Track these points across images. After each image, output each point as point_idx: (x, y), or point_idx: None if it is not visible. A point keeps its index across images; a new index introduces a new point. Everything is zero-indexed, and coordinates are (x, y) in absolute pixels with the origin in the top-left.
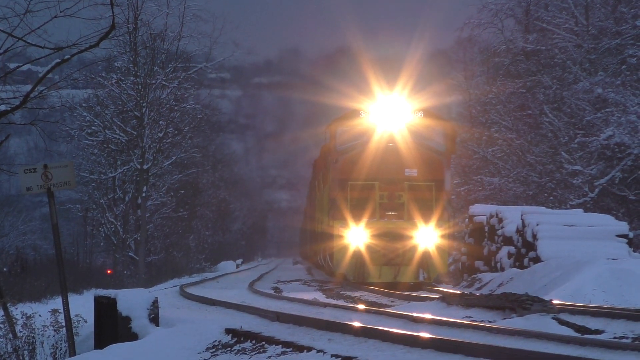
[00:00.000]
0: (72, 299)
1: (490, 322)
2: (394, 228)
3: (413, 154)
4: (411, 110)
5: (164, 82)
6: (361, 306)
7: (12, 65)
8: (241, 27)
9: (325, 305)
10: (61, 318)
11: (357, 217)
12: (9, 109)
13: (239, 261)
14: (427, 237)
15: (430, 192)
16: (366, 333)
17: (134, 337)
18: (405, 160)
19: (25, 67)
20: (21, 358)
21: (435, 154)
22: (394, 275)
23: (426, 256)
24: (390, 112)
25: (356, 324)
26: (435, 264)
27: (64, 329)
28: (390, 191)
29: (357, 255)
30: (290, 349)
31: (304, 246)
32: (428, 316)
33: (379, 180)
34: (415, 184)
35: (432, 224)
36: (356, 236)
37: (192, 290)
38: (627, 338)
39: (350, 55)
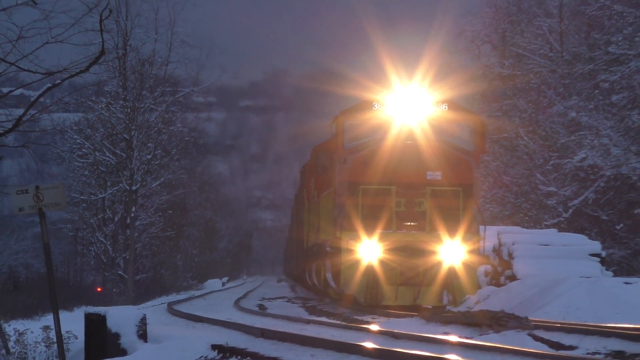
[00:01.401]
0: (63, 316)
1: (467, 337)
2: (413, 241)
3: (436, 153)
4: (433, 102)
5: (152, 106)
6: (343, 323)
7: (4, 90)
8: (227, 52)
9: (308, 322)
10: (52, 334)
11: (369, 228)
12: (1, 132)
13: (225, 279)
14: (452, 252)
15: (456, 199)
16: (348, 349)
17: (123, 352)
18: (427, 160)
19: (17, 92)
20: None
21: (462, 154)
22: (414, 298)
23: (451, 275)
24: (409, 103)
25: (338, 340)
26: (462, 284)
27: (55, 345)
28: (409, 197)
29: (370, 273)
30: None
31: (288, 264)
32: (408, 332)
33: (396, 185)
34: (439, 190)
35: (459, 237)
36: (369, 250)
37: (179, 307)
38: (599, 354)
39: (365, 42)
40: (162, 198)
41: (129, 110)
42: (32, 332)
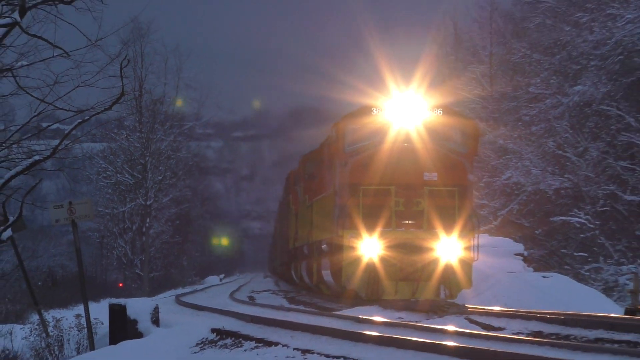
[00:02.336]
0: (92, 306)
1: (416, 322)
2: (411, 239)
3: (432, 155)
4: (429, 107)
5: (162, 137)
6: (316, 311)
7: (44, 125)
8: (223, 92)
9: (289, 310)
10: (83, 321)
11: (370, 227)
12: (41, 158)
13: (222, 276)
14: (449, 249)
15: (452, 198)
16: (321, 331)
17: (139, 335)
18: (424, 162)
19: (54, 126)
20: (53, 352)
21: (457, 156)
22: (412, 292)
23: (448, 271)
24: (406, 109)
25: (312, 324)
26: (458, 279)
27: (85, 329)
28: (407, 197)
29: (371, 269)
30: (262, 344)
31: (272, 263)
32: (369, 317)
33: (395, 185)
34: (436, 190)
35: (455, 234)
36: (369, 248)
37: (185, 299)
38: (522, 333)
39: (363, 49)
40: (171, 211)
41: (144, 140)
42: (66, 319)
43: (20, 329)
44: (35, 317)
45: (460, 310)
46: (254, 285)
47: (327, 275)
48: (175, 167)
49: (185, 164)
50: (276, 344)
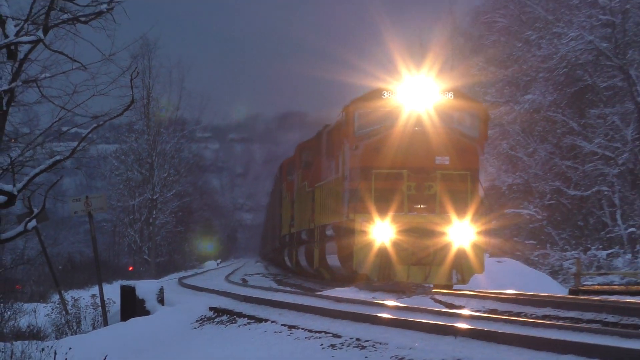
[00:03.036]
0: (105, 287)
1: (379, 302)
2: (423, 223)
3: (444, 139)
4: (440, 91)
5: (167, 139)
6: (301, 291)
7: (64, 129)
8: (220, 99)
9: (277, 290)
10: (98, 300)
11: (382, 211)
12: (62, 158)
13: (219, 261)
14: (461, 233)
15: (464, 182)
16: (305, 309)
17: (147, 313)
18: (436, 146)
19: (73, 130)
20: (71, 328)
21: (468, 140)
22: (425, 277)
23: (461, 255)
24: (417, 92)
25: (298, 303)
26: (471, 264)
27: (100, 307)
28: (418, 181)
29: (383, 253)
30: (253, 321)
31: (263, 249)
32: (346, 297)
33: (407, 169)
34: (448, 174)
35: (467, 218)
36: (381, 232)
37: (186, 281)
38: (480, 311)
39: (373, 31)
40: (174, 204)
41: (151, 142)
42: (83, 298)
43: (43, 307)
44: (56, 297)
45: (425, 291)
46: (246, 269)
47: (332, 259)
48: (178, 165)
49: (186, 163)
50: (266, 320)
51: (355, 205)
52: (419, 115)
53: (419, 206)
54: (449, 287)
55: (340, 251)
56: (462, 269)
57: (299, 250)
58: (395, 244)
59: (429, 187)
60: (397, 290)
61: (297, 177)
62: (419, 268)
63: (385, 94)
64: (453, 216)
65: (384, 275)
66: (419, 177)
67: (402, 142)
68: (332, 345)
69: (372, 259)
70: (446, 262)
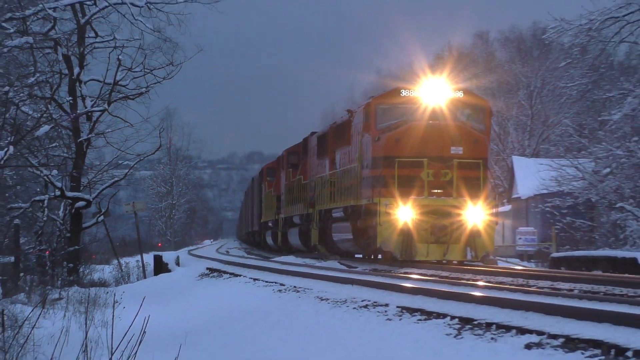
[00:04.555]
0: (144, 256)
1: (308, 265)
2: (442, 206)
3: (457, 131)
4: (451, 89)
5: (181, 168)
6: (265, 256)
7: (120, 162)
8: (211, 140)
9: (247, 257)
10: (140, 263)
11: (404, 195)
12: (118, 179)
13: (212, 240)
14: (475, 215)
15: (477, 170)
16: (263, 269)
17: (169, 271)
18: (450, 137)
19: (125, 162)
20: (124, 279)
21: (478, 133)
22: (443, 254)
23: (474, 234)
24: (431, 90)
25: (259, 265)
26: (484, 242)
27: (141, 268)
28: (436, 169)
29: (405, 232)
30: (232, 276)
31: (239, 233)
32: (288, 261)
33: (426, 158)
34: (463, 162)
35: (480, 202)
36: (404, 213)
37: (193, 252)
38: (367, 270)
39: (391, 32)
40: (185, 206)
41: (171, 170)
42: (131, 263)
43: (108, 267)
44: (115, 262)
45: (335, 257)
46: (228, 245)
47: (339, 237)
48: (187, 183)
49: (192, 182)
50: (239, 275)
51: (379, 190)
52: (434, 110)
53: (437, 191)
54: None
55: (357, 230)
56: (475, 246)
57: (289, 231)
58: (416, 224)
59: (445, 174)
60: (317, 257)
61: (284, 176)
62: (437, 246)
63: (402, 92)
64: (467, 200)
65: (406, 253)
66: (437, 165)
67: (421, 134)
68: (279, 290)
69: (396, 238)
70: (461, 240)
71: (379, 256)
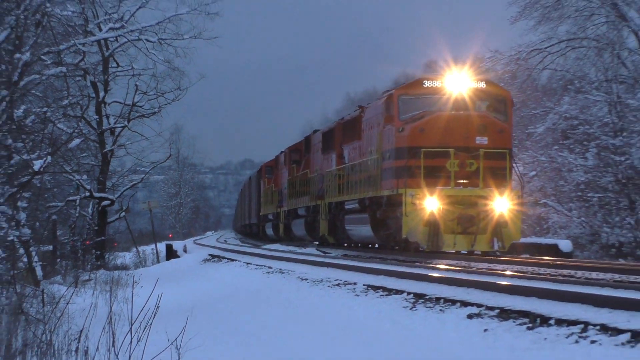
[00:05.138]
0: (158, 244)
1: (296, 251)
2: (468, 196)
3: (482, 122)
4: (474, 79)
5: (187, 173)
6: (256, 244)
7: (138, 168)
8: (217, 149)
9: (241, 245)
10: (154, 251)
11: (430, 185)
12: (136, 182)
13: (212, 232)
14: (501, 205)
15: (503, 160)
16: (255, 255)
17: (178, 257)
18: (475, 128)
19: (142, 169)
20: (142, 264)
21: (502, 123)
22: (470, 244)
23: (501, 225)
24: (454, 80)
25: (251, 252)
26: (511, 232)
27: (155, 254)
28: (462, 159)
29: (432, 223)
30: (229, 261)
31: (235, 225)
32: (276, 248)
33: (452, 148)
34: (489, 152)
35: (506, 192)
36: (430, 204)
37: (198, 241)
38: (339, 255)
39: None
40: (190, 204)
41: (179, 175)
42: (147, 250)
43: (128, 254)
44: (134, 249)
45: (313, 245)
46: (226, 236)
47: (351, 227)
48: (192, 186)
49: (196, 184)
50: (235, 260)
51: (404, 181)
52: (458, 100)
53: (463, 181)
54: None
55: (376, 221)
56: (502, 236)
57: (293, 222)
58: (443, 215)
59: (470, 164)
60: (299, 245)
61: (286, 171)
62: (464, 237)
63: (425, 83)
64: (494, 190)
65: (433, 243)
66: (462, 155)
67: (446, 124)
68: (268, 272)
69: (422, 229)
70: (488, 230)
71: (396, 247)
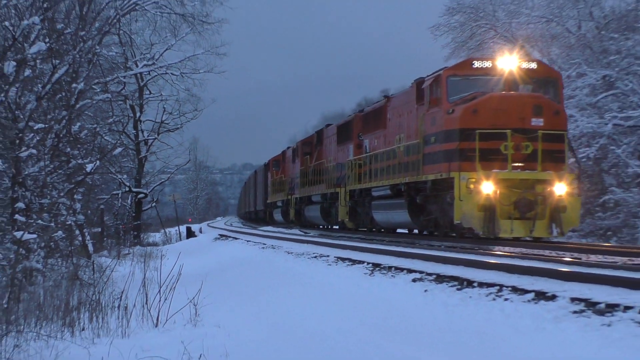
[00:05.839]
0: (180, 227)
1: (282, 232)
2: (526, 180)
3: (537, 103)
4: (525, 60)
5: (202, 173)
6: (253, 227)
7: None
8: (224, 153)
9: (243, 227)
10: (176, 232)
11: (485, 168)
12: (164, 180)
13: (222, 217)
14: (560, 189)
15: (561, 142)
16: (253, 235)
17: (195, 236)
18: (531, 109)
19: (169, 170)
20: (168, 241)
21: (557, 104)
22: (528, 230)
23: (560, 209)
24: (505, 61)
25: (250, 232)
26: (570, 217)
27: (178, 234)
28: (517, 141)
29: (488, 208)
30: (234, 239)
31: (238, 213)
32: (269, 229)
33: (509, 130)
34: (547, 134)
35: (565, 176)
36: (486, 188)
37: (211, 225)
38: (316, 235)
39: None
40: (205, 197)
41: (196, 174)
42: (172, 231)
43: (158, 234)
44: (162, 231)
45: (297, 227)
46: (232, 221)
47: (380, 213)
48: (206, 183)
49: (209, 182)
50: (238, 238)
51: (458, 164)
52: (509, 81)
53: (519, 164)
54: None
55: (416, 207)
56: (561, 222)
57: (307, 208)
58: (499, 199)
59: (526, 147)
60: (286, 226)
61: (298, 162)
62: (521, 222)
63: (475, 63)
64: (551, 173)
65: (489, 229)
66: (518, 137)
67: (500, 105)
68: (263, 247)
69: (477, 214)
70: (546, 216)
71: (435, 233)
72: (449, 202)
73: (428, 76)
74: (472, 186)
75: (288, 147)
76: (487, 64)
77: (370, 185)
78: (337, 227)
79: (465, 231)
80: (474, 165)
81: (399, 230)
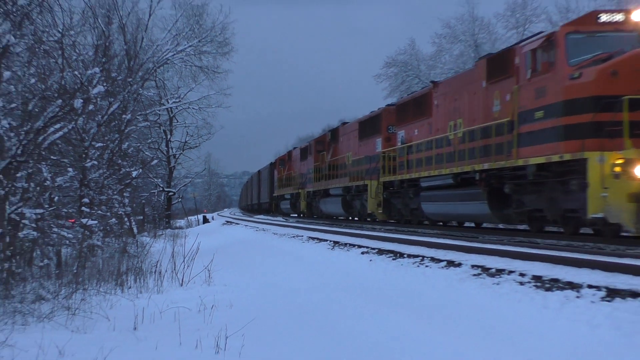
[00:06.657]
0: (198, 215)
1: (269, 218)
2: None
3: None
4: None
5: (215, 177)
6: (249, 216)
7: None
8: (228, 161)
9: (243, 215)
10: (196, 219)
11: (635, 146)
12: (187, 183)
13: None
14: None
15: None
16: (253, 221)
17: (209, 222)
18: None
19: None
20: (189, 226)
21: None
22: None
23: None
24: (637, 12)
25: (250, 219)
26: None
27: (197, 221)
28: None
29: None
30: (237, 224)
31: (240, 205)
32: (267, 217)
33: None
34: None
35: None
36: (639, 172)
37: (220, 214)
38: (294, 221)
39: None
40: (215, 195)
41: (210, 179)
42: (192, 218)
43: (182, 221)
44: (185, 218)
45: (281, 214)
46: (234, 211)
47: (433, 206)
48: (216, 185)
49: (218, 184)
50: (239, 224)
51: (595, 141)
52: None
53: None
54: None
55: (496, 197)
56: None
57: (323, 200)
58: None
59: None
60: (282, 216)
61: (312, 159)
62: None
63: (601, 17)
64: None
65: None
66: None
67: None
68: (256, 230)
69: (628, 206)
70: None
71: (529, 229)
72: (575, 191)
73: (526, 40)
74: (619, 169)
75: (294, 148)
76: (619, 16)
77: (417, 175)
78: (357, 218)
79: (602, 227)
80: (619, 142)
81: (450, 223)
